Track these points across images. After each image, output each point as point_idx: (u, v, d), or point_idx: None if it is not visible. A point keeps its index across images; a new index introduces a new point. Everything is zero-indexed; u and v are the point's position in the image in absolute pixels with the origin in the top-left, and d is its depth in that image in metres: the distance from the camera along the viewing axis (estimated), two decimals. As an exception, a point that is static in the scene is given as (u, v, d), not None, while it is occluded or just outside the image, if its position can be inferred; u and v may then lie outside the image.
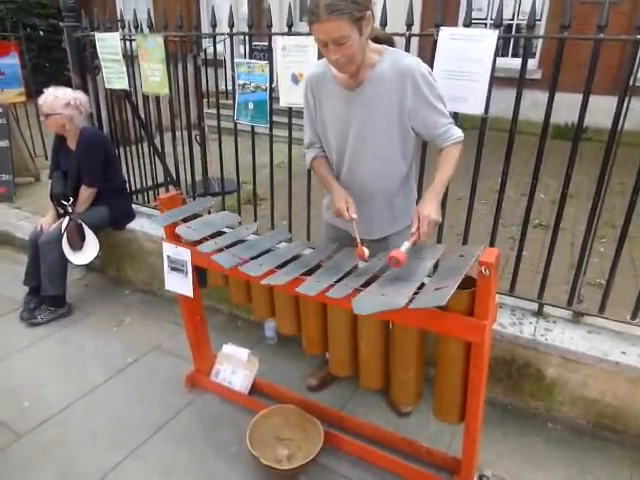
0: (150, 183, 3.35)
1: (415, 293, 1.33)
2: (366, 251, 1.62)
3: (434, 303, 1.25)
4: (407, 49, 1.95)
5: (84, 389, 2.26)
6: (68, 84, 2.95)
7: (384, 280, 1.47)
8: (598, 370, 1.89)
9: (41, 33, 10.07)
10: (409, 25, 1.93)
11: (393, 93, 1.61)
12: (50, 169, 2.99)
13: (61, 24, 2.96)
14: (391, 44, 1.69)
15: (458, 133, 1.66)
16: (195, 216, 1.98)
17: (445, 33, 1.83)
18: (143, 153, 3.29)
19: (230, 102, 2.57)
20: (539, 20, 7.11)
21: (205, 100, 3.34)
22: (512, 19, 7.51)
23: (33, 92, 5.09)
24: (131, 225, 3.09)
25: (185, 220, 1.93)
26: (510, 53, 7.45)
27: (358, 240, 1.66)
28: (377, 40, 1.64)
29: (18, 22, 5.76)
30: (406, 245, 1.46)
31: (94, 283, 3.24)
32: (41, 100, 2.71)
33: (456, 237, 3.31)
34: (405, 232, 1.92)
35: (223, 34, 2.42)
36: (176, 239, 1.92)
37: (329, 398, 2.19)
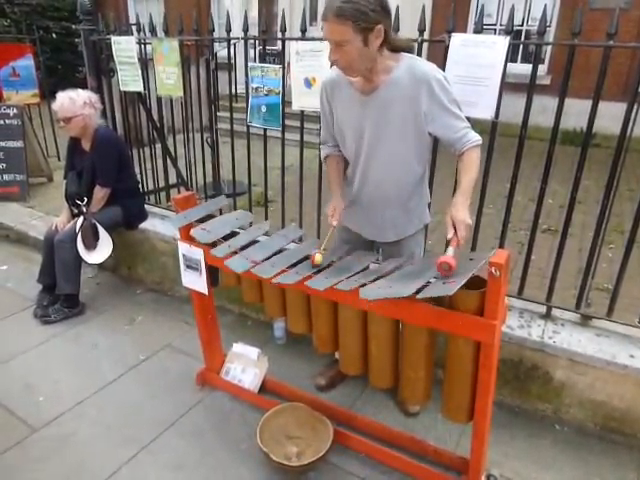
0: (162, 184, 3.40)
1: (423, 287, 1.36)
2: (318, 257, 1.65)
3: (442, 293, 1.28)
4: (419, 54, 1.99)
5: (97, 385, 2.31)
6: (79, 85, 3.01)
7: (392, 277, 1.50)
8: (606, 373, 1.91)
9: (54, 35, 10.22)
10: (421, 31, 1.96)
11: (408, 98, 1.64)
12: (65, 169, 3.04)
13: (78, 27, 3.03)
14: (410, 51, 1.72)
15: (476, 137, 1.68)
16: (209, 216, 2.02)
17: (456, 39, 1.86)
18: (156, 154, 3.34)
19: (240, 105, 2.62)
20: (549, 26, 7.13)
21: (217, 103, 3.38)
22: (522, 25, 7.54)
23: (47, 93, 5.20)
24: (143, 225, 3.14)
25: (200, 221, 1.97)
26: (519, 59, 7.47)
27: (322, 246, 1.73)
28: (399, 48, 1.67)
29: (32, 25, 5.85)
30: (451, 250, 1.42)
31: (106, 282, 3.29)
32: (56, 106, 2.73)
33: (465, 242, 3.33)
34: (419, 235, 1.96)
35: (237, 38, 2.46)
36: (190, 239, 1.96)
37: (338, 398, 2.22)
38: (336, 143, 1.91)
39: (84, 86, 3.06)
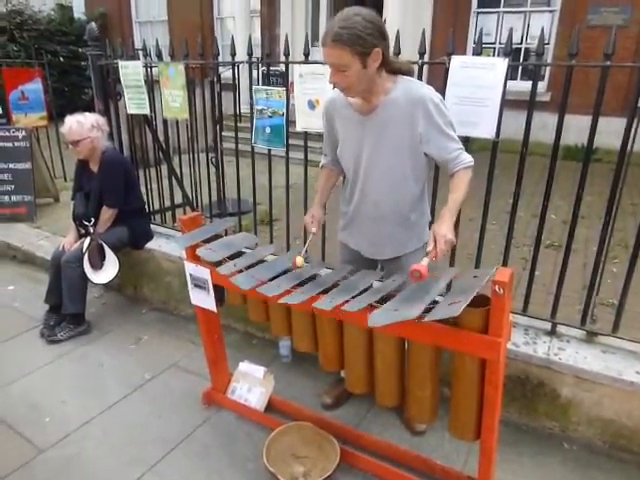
0: (168, 204, 3.44)
1: (429, 309, 1.37)
2: (299, 260, 1.73)
3: (448, 315, 1.29)
4: (420, 76, 2.04)
5: (103, 405, 2.31)
6: (86, 107, 3.07)
7: (398, 299, 1.51)
8: (613, 390, 1.90)
9: (61, 59, 10.43)
10: (422, 53, 2.01)
11: (405, 119, 1.69)
12: (73, 190, 3.09)
13: (86, 52, 3.10)
14: (408, 74, 1.77)
15: (468, 158, 1.73)
16: (215, 237, 2.05)
17: (456, 61, 1.91)
18: (161, 175, 3.39)
19: (244, 125, 2.66)
20: (547, 44, 7.23)
21: (222, 124, 3.44)
22: (521, 43, 7.65)
23: (55, 116, 5.29)
24: (149, 245, 3.17)
25: (205, 241, 2.00)
26: (519, 76, 7.56)
27: (303, 251, 1.82)
28: (398, 71, 1.72)
29: (41, 49, 6.00)
30: (425, 260, 1.48)
31: (112, 302, 3.31)
32: (65, 129, 2.80)
33: (467, 257, 3.34)
34: (418, 253, 1.97)
35: (242, 62, 2.52)
36: (197, 259, 1.99)
37: (344, 416, 2.21)
38: (334, 157, 1.98)
39: (90, 108, 3.13)
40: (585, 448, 2.02)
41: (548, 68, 7.44)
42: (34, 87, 5.22)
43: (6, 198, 4.46)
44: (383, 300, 1.51)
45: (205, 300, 2.05)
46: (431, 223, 2.02)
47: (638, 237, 1.93)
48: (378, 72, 1.64)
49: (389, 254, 1.95)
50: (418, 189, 1.84)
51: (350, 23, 1.52)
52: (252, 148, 2.65)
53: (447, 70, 1.93)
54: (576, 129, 3.89)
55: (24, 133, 4.56)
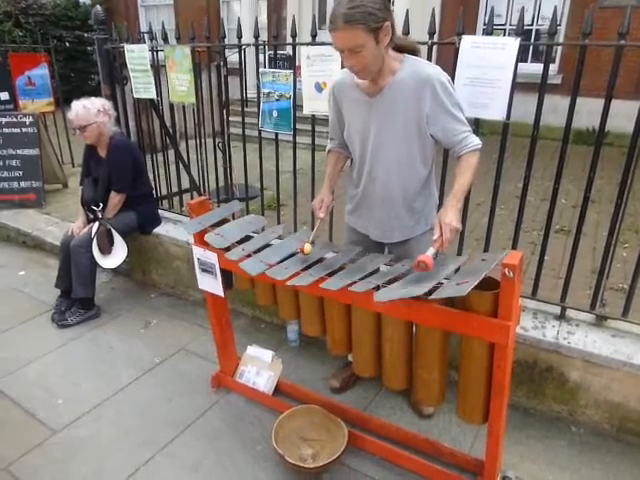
0: (175, 189, 3.44)
1: (435, 288, 1.37)
2: (307, 247, 1.72)
3: (455, 294, 1.29)
4: (429, 57, 2.00)
5: (114, 388, 2.34)
6: (92, 93, 3.06)
7: (406, 280, 1.51)
8: (622, 374, 1.89)
9: (67, 44, 10.39)
10: (431, 33, 1.97)
11: (412, 100, 1.66)
12: (81, 176, 3.09)
13: (92, 36, 3.08)
14: (414, 52, 1.74)
15: (476, 141, 1.70)
16: (222, 221, 2.05)
17: (467, 41, 1.87)
18: (168, 160, 3.39)
19: (251, 110, 2.64)
20: (559, 25, 7.08)
21: (228, 108, 3.42)
22: (532, 24, 7.50)
23: (61, 101, 5.29)
24: (157, 230, 3.18)
25: (213, 226, 2.00)
26: (530, 59, 7.43)
27: (311, 237, 1.81)
28: (401, 49, 1.69)
29: (47, 34, 5.97)
30: (431, 251, 1.49)
31: (121, 286, 3.34)
32: (72, 115, 2.78)
33: (476, 242, 3.32)
34: (426, 236, 1.96)
35: (248, 44, 2.49)
36: (204, 243, 1.99)
37: (351, 400, 2.23)
38: (341, 141, 1.96)
39: (97, 93, 3.11)
40: (593, 432, 2.03)
41: (559, 50, 7.30)
42: (41, 72, 5.21)
43: (15, 184, 4.48)
44: (390, 282, 1.50)
45: (212, 285, 2.06)
46: (439, 206, 2.01)
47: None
48: (386, 49, 1.61)
49: (397, 237, 1.94)
50: (426, 171, 1.83)
51: (358, 2, 1.48)
52: (259, 133, 2.63)
53: (457, 50, 1.90)
54: (587, 112, 3.82)
55: (31, 119, 4.56)
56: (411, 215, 1.89)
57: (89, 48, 10.37)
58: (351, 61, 1.58)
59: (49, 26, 10.02)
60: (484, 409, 1.53)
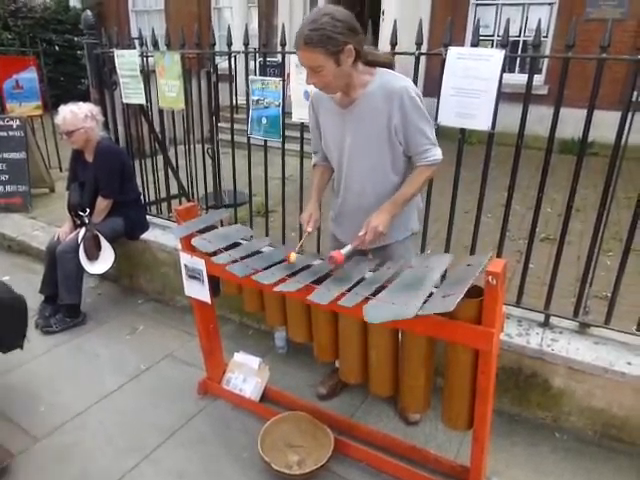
0: (164, 195, 3.44)
1: (424, 302, 1.38)
2: (293, 256, 1.75)
3: (442, 309, 1.30)
4: (416, 67, 2.03)
5: (99, 395, 2.32)
6: (81, 97, 3.05)
7: (393, 288, 1.52)
8: (604, 380, 1.92)
9: (57, 48, 10.33)
10: (419, 44, 2.00)
11: (382, 111, 1.72)
12: (68, 181, 3.07)
13: (82, 40, 3.07)
14: (389, 66, 1.79)
15: (434, 155, 1.76)
16: (210, 227, 2.05)
17: (453, 52, 1.90)
18: (157, 166, 3.38)
19: (240, 116, 2.65)
20: (545, 37, 7.21)
21: (218, 114, 3.43)
22: (519, 36, 7.63)
23: (49, 105, 5.25)
24: (145, 236, 3.17)
25: (201, 231, 2.00)
26: (517, 69, 7.55)
27: (298, 247, 1.85)
28: (375, 63, 1.75)
29: (36, 37, 5.94)
30: (348, 248, 1.71)
31: (107, 292, 3.31)
32: (59, 120, 2.76)
33: (463, 249, 3.35)
34: (406, 241, 1.99)
35: (238, 52, 2.51)
36: (192, 249, 1.99)
37: (338, 407, 2.23)
38: (324, 153, 2.00)
39: (86, 98, 3.10)
40: (576, 438, 2.05)
41: (546, 61, 7.43)
42: (29, 76, 5.18)
43: (0, 188, 4.44)
44: (378, 291, 1.51)
45: (199, 291, 2.06)
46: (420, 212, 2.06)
47: (631, 229, 1.94)
48: (354, 66, 1.67)
49: (371, 245, 1.95)
50: (399, 180, 1.86)
51: (319, 25, 1.54)
52: (248, 139, 2.64)
53: (444, 61, 1.93)
54: (573, 122, 3.88)
55: (19, 122, 4.53)
56: None
57: (79, 52, 10.32)
58: (313, 79, 1.66)
59: (38, 29, 9.97)
60: (469, 415, 1.55)
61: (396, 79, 1.72)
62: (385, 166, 1.82)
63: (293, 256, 1.74)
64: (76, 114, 2.77)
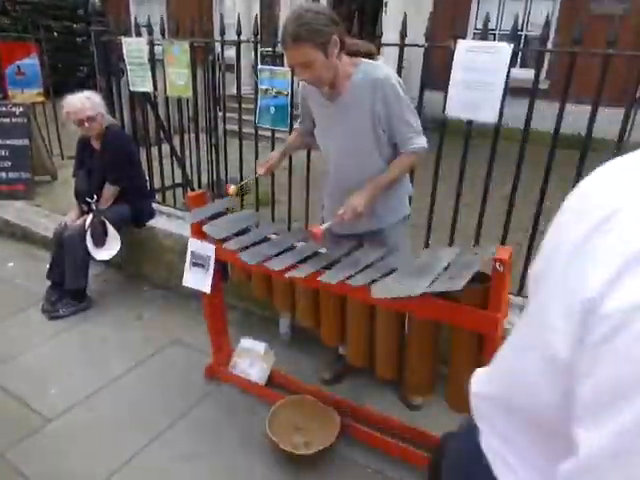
0: (169, 183, 3.46)
1: (432, 283, 1.43)
2: (232, 189, 1.99)
3: (450, 288, 1.35)
4: (425, 59, 2.07)
5: (107, 378, 2.36)
6: (82, 85, 3.06)
7: (402, 272, 1.57)
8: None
9: (55, 34, 10.26)
10: (427, 37, 2.04)
11: (365, 102, 1.77)
12: (74, 168, 3.10)
13: (90, 28, 3.08)
14: (370, 55, 1.84)
15: (419, 143, 1.82)
16: (218, 215, 2.09)
17: (462, 45, 1.94)
18: (162, 154, 3.40)
19: (244, 106, 2.69)
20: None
21: (224, 104, 3.45)
22: (521, 30, 7.64)
23: (51, 92, 5.24)
24: (150, 223, 3.20)
25: (210, 218, 2.04)
26: (518, 64, 7.56)
27: (241, 183, 2.12)
28: (357, 53, 1.80)
29: (37, 23, 5.89)
30: (327, 224, 1.83)
31: (113, 279, 3.35)
32: (75, 107, 2.75)
33: (464, 241, 3.40)
34: (400, 226, 2.05)
35: (247, 41, 2.53)
36: (202, 235, 2.03)
37: (342, 392, 2.28)
38: (307, 127, 2.08)
39: (86, 85, 3.11)
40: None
41: (547, 56, 7.45)
42: (31, 62, 5.15)
43: (3, 175, 4.44)
44: (386, 275, 1.56)
45: (201, 280, 2.08)
46: (410, 198, 2.10)
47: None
48: (338, 57, 1.72)
49: (362, 229, 2.01)
50: (386, 165, 1.90)
51: (304, 20, 1.60)
52: (255, 129, 2.67)
53: (452, 53, 1.96)
54: (573, 118, 3.92)
55: (22, 109, 4.52)
56: (377, 207, 1.94)
57: (78, 39, 10.25)
58: (304, 75, 1.71)
59: (36, 15, 9.87)
60: (472, 399, 1.60)
61: (378, 69, 1.77)
62: (372, 152, 1.87)
63: (233, 189, 1.93)
64: (92, 100, 2.79)
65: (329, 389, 2.28)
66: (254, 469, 1.89)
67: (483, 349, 1.49)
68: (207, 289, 2.10)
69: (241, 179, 2.98)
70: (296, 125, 2.18)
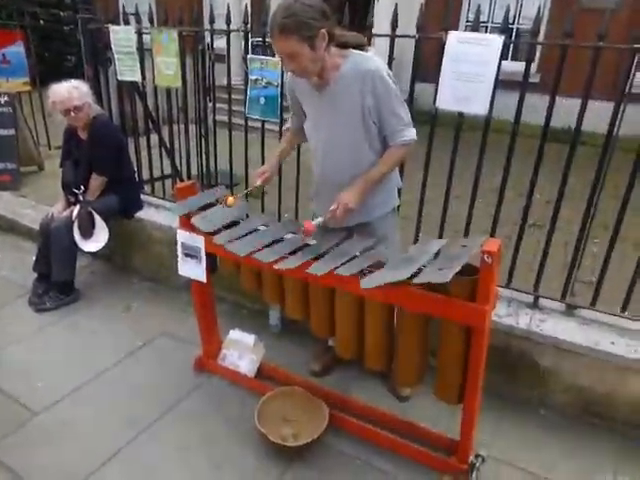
0: (158, 174, 3.42)
1: (418, 273, 1.43)
2: (230, 199, 1.89)
3: (438, 279, 1.35)
4: (416, 50, 2.06)
5: (96, 370, 2.34)
6: (69, 74, 3.01)
7: (390, 264, 1.56)
8: (589, 359, 2.00)
9: (42, 22, 10.04)
10: (419, 27, 2.02)
11: (354, 93, 1.76)
12: (61, 158, 3.05)
13: (77, 16, 3.02)
14: (360, 47, 1.82)
15: (409, 135, 1.81)
16: (209, 205, 2.07)
17: (453, 37, 1.93)
18: (150, 144, 3.35)
19: (234, 97, 2.66)
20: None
21: (214, 94, 3.41)
22: (512, 23, 7.64)
23: (37, 82, 5.15)
24: (139, 214, 3.16)
25: (200, 209, 2.02)
26: (509, 57, 7.57)
27: (240, 194, 1.99)
28: (348, 44, 1.79)
29: (22, 10, 5.76)
30: (319, 220, 1.82)
31: (100, 270, 3.31)
32: (62, 96, 2.70)
33: (455, 234, 3.41)
34: (389, 218, 2.05)
35: (237, 30, 2.50)
36: (190, 227, 2.01)
37: (331, 383, 2.28)
38: (298, 125, 2.06)
39: (73, 75, 3.05)
40: (561, 414, 2.14)
41: (539, 49, 7.46)
42: (16, 50, 5.05)
43: (-12, 165, 4.37)
44: (374, 266, 1.56)
45: (194, 269, 2.07)
46: (400, 190, 2.10)
47: (619, 217, 2.01)
48: (327, 49, 1.70)
49: (352, 221, 1.98)
50: (373, 157, 1.89)
51: (291, 12, 1.59)
52: (245, 120, 2.64)
53: (443, 45, 1.95)
54: (563, 111, 3.94)
55: (7, 98, 4.44)
56: (367, 198, 1.92)
57: (65, 28, 10.05)
58: (290, 65, 1.71)
59: (22, 2, 9.66)
60: (460, 390, 1.61)
61: (368, 60, 1.75)
62: (360, 143, 1.85)
63: (231, 200, 1.87)
64: (80, 89, 2.74)
65: (319, 381, 2.28)
66: (244, 461, 1.89)
67: (471, 341, 1.50)
68: (203, 278, 2.09)
69: (231, 171, 2.96)
70: (287, 124, 2.15)
